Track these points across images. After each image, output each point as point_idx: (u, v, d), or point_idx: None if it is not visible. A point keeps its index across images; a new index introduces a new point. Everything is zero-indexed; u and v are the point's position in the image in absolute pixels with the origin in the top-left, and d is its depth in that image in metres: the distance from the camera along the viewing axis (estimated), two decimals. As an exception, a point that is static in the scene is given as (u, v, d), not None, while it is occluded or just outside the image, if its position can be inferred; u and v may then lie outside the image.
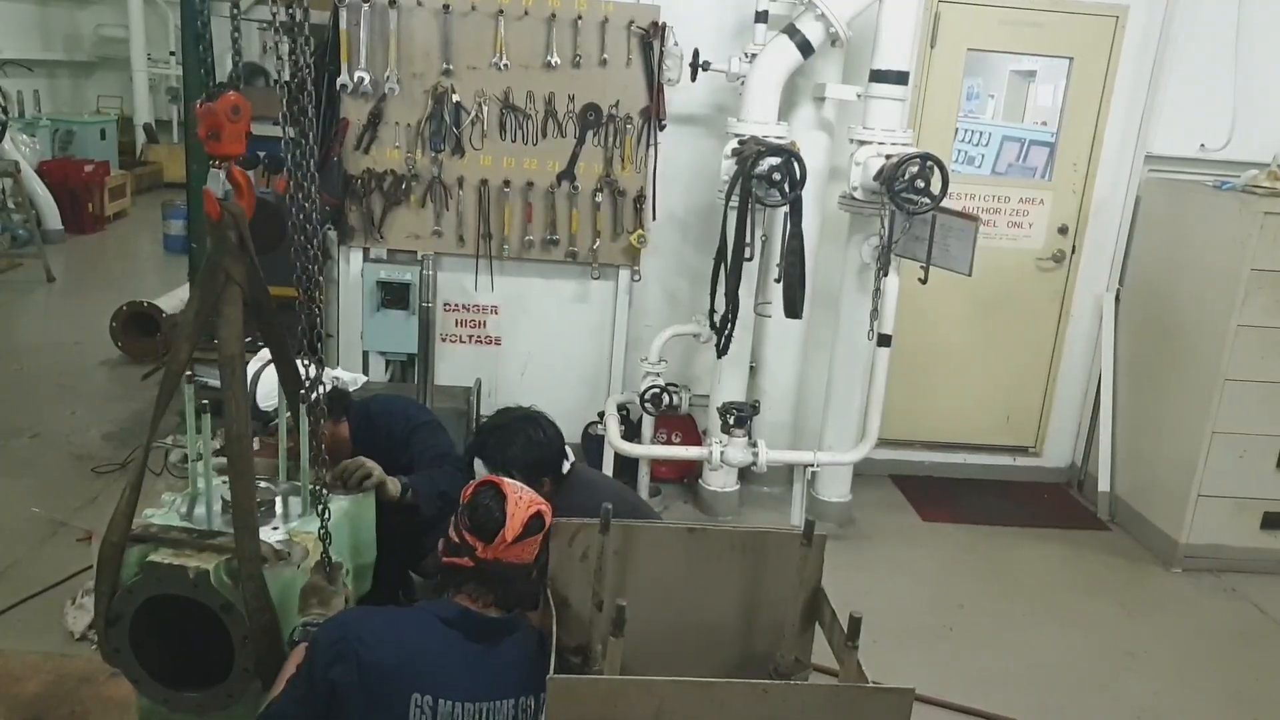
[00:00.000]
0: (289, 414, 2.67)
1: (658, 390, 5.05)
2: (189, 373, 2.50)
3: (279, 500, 2.62)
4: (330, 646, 2.12)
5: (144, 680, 2.42)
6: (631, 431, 5.26)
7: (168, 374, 2.40)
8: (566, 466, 3.14)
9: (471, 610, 2.23)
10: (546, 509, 2.33)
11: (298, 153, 2.33)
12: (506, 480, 2.36)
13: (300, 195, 2.35)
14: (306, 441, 2.52)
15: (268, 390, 3.07)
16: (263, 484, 2.61)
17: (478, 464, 3.06)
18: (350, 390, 3.45)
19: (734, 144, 4.56)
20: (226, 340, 2.31)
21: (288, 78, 2.32)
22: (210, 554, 2.35)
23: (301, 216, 2.36)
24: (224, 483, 2.48)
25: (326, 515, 2.45)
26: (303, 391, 2.50)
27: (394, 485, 3.00)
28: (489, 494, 2.28)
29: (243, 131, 2.27)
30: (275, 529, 2.50)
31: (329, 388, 3.27)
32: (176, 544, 2.39)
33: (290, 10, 2.31)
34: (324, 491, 2.47)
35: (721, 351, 4.76)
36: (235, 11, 2.36)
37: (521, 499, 2.28)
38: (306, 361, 2.47)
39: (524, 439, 3.04)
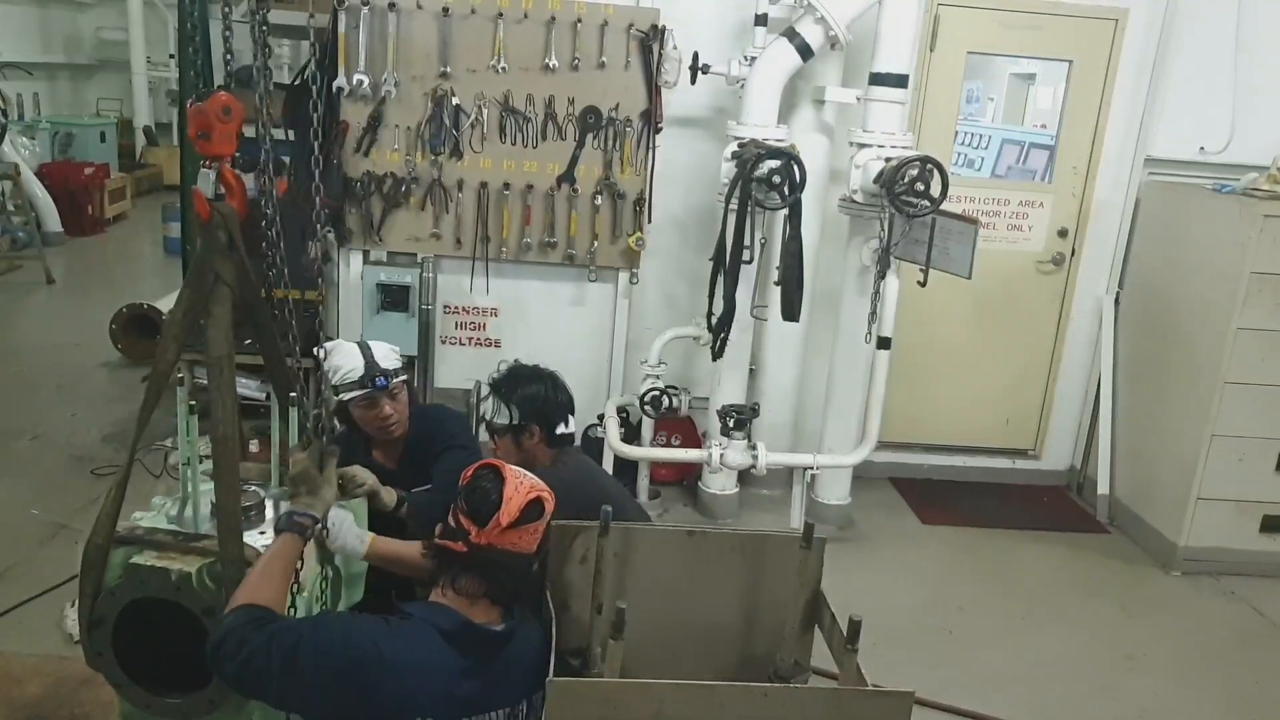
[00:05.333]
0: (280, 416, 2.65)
1: (657, 392, 5.05)
2: (181, 374, 2.49)
3: (269, 504, 2.60)
4: (335, 673, 2.04)
5: (125, 685, 2.40)
6: (631, 434, 5.26)
7: (154, 374, 2.38)
8: (563, 430, 3.23)
9: (473, 624, 2.16)
10: (549, 496, 2.24)
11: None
12: (509, 465, 2.27)
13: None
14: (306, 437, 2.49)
15: (384, 352, 3.23)
16: (252, 488, 2.59)
17: (492, 400, 3.20)
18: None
19: (734, 147, 4.57)
20: (214, 341, 2.29)
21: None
22: (194, 557, 2.32)
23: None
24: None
25: (322, 398, 2.43)
26: (293, 395, 2.49)
27: (389, 495, 2.99)
28: (488, 476, 2.20)
29: (233, 131, 2.26)
30: (263, 533, 2.48)
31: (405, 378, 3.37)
32: (161, 546, 2.36)
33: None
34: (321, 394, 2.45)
35: (716, 355, 4.75)
36: (227, 12, 2.36)
37: (521, 484, 2.19)
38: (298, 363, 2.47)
39: (535, 388, 3.21)
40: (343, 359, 3.32)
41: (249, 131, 2.33)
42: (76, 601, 3.81)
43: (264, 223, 2.36)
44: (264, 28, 2.29)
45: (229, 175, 2.27)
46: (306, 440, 2.36)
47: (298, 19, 5.13)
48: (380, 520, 2.94)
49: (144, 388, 6.55)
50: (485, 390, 3.33)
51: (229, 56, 2.42)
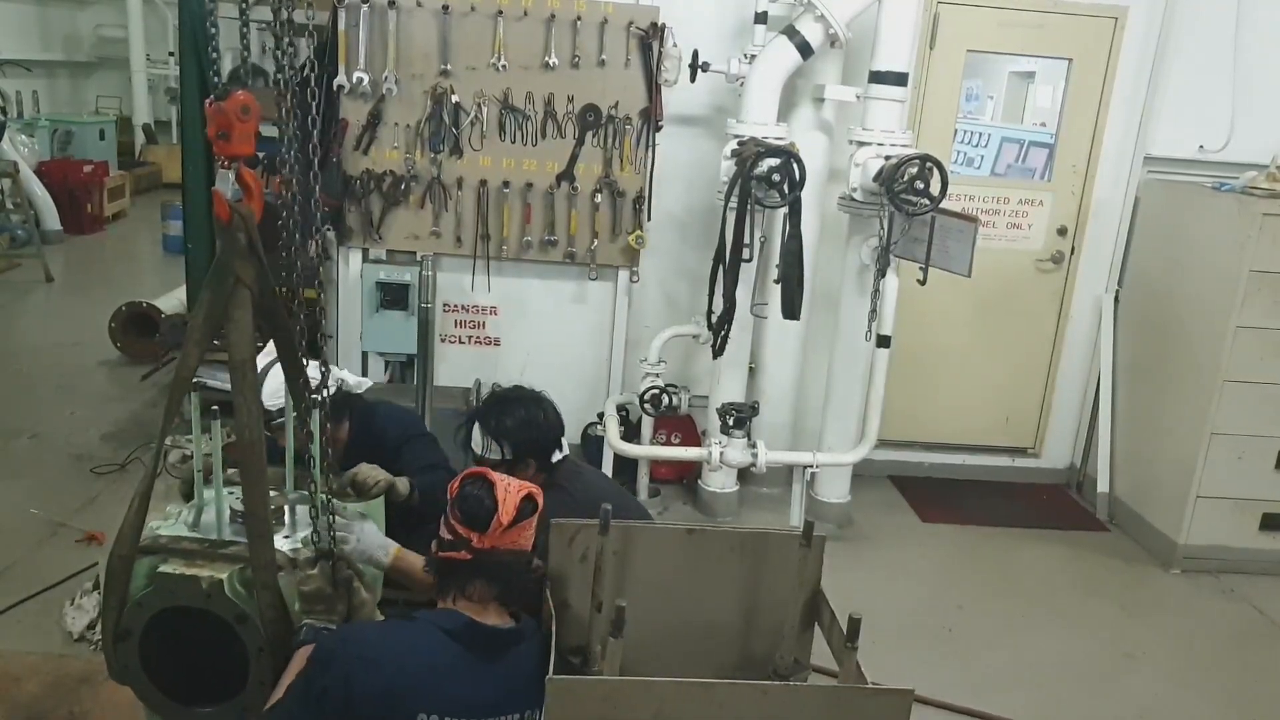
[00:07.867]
0: (294, 418, 2.63)
1: (657, 391, 5.05)
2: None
3: (287, 509, 2.59)
4: (337, 671, 2.07)
5: (154, 698, 2.36)
6: (631, 432, 5.26)
7: (177, 381, 2.32)
8: (558, 456, 3.10)
9: (477, 622, 2.19)
10: (536, 492, 2.29)
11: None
12: (491, 471, 2.33)
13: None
14: (320, 449, 2.48)
15: (274, 389, 3.06)
16: (272, 494, 2.57)
17: (476, 430, 3.02)
18: (355, 393, 3.45)
19: (733, 145, 4.57)
20: (236, 344, 2.24)
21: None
22: (223, 563, 2.30)
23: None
24: (230, 493, 2.45)
25: (333, 523, 2.41)
26: (310, 394, 2.47)
27: (403, 485, 3.00)
28: (476, 484, 2.25)
29: (252, 131, 2.22)
30: (286, 537, 2.48)
31: (335, 390, 3.28)
32: (187, 554, 2.33)
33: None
34: (330, 499, 2.43)
35: (717, 353, 4.75)
36: (245, 8, 2.35)
37: (510, 485, 2.25)
38: (313, 364, 2.44)
39: (524, 415, 3.01)
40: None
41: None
42: (76, 599, 3.86)
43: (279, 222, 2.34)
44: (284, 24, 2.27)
45: (248, 176, 2.24)
46: (314, 559, 2.36)
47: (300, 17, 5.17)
48: (390, 508, 2.95)
49: (143, 386, 6.56)
50: (486, 387, 3.27)
51: (246, 54, 2.41)
